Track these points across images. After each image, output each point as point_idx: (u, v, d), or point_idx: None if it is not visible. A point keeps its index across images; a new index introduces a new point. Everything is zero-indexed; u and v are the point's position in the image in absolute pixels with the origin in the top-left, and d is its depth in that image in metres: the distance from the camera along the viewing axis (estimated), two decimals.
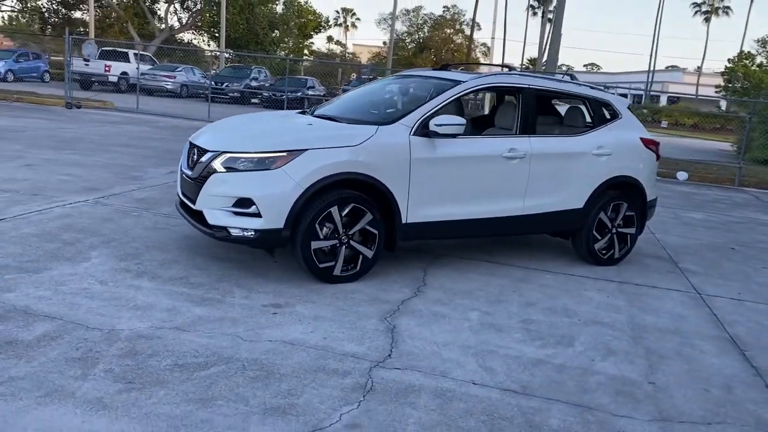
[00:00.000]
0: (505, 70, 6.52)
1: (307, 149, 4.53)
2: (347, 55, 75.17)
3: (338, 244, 4.66)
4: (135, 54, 27.66)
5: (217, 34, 35.95)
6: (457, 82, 5.35)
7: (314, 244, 4.56)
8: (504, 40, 56.18)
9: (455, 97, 5.21)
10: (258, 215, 4.45)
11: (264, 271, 4.85)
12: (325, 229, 4.60)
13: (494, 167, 5.24)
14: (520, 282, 5.22)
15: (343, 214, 4.61)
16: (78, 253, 4.83)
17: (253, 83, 29.33)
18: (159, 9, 39.84)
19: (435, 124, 4.86)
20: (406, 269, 5.24)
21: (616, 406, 3.27)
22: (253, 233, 4.47)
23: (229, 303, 4.15)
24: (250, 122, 5.52)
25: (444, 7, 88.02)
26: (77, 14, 43.08)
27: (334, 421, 2.84)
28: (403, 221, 4.88)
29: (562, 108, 6.85)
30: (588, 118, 6.05)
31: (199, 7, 40.31)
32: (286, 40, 47.66)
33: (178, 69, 28.87)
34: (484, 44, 67.74)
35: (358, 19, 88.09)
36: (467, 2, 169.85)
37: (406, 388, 3.22)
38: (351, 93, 6.59)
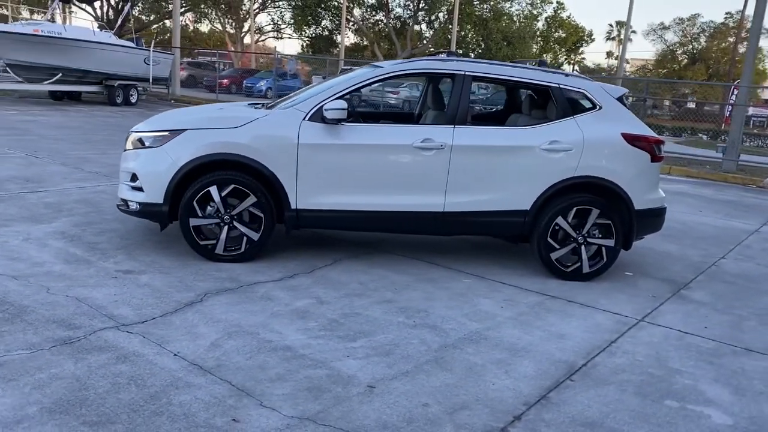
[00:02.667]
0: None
1: (187, 129, 4.80)
2: (614, 69, 71.69)
3: (221, 224, 4.84)
4: None
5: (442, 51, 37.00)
6: (376, 68, 5.15)
7: (192, 221, 4.81)
8: None
9: (365, 83, 5.01)
10: (141, 189, 4.85)
11: (169, 246, 5.20)
12: (209, 208, 4.82)
13: (403, 158, 4.91)
14: (420, 281, 4.83)
15: (223, 194, 4.77)
16: None
17: None
18: (407, 30, 42.44)
19: (325, 109, 4.77)
20: (315, 258, 5.19)
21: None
22: (137, 206, 4.88)
23: (93, 265, 4.60)
24: (195, 110, 5.94)
25: (726, 13, 78.44)
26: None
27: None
28: (293, 207, 4.86)
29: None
30: (553, 109, 5.27)
31: (436, 26, 42.00)
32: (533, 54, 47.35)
33: (402, 85, 30.58)
34: None
35: (633, 31, 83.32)
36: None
37: (116, 350, 3.33)
38: (317, 85, 6.61)
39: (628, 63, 76.87)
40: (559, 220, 5.05)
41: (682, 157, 14.88)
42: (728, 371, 3.69)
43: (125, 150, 5.06)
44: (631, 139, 5.11)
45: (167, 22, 34.25)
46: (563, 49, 58.31)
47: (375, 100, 28.06)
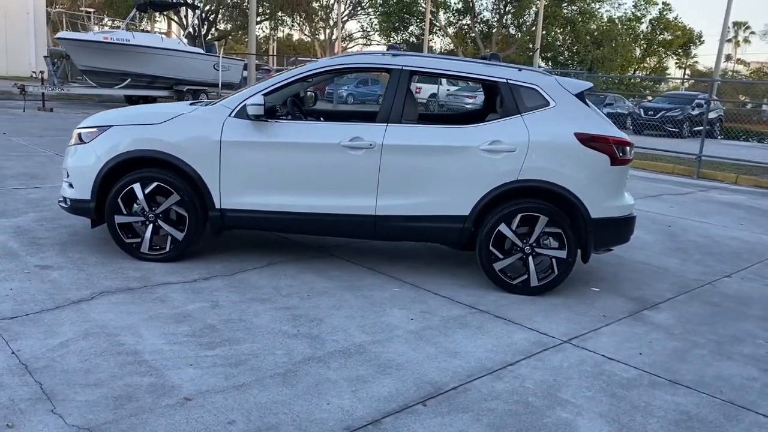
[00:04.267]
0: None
1: (112, 125, 4.77)
2: (730, 73, 67.44)
3: (146, 222, 4.77)
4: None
5: (531, 53, 36.04)
6: (310, 64, 4.91)
7: (117, 219, 4.76)
8: None
9: (292, 79, 4.79)
10: (71, 186, 4.87)
11: (108, 244, 5.19)
12: (135, 205, 4.77)
13: (330, 157, 4.64)
14: (342, 289, 4.53)
15: (146, 192, 4.70)
16: None
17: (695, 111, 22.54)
18: (491, 35, 41.68)
19: (246, 105, 4.59)
20: (250, 259, 5.01)
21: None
22: (68, 203, 4.90)
23: (17, 260, 4.65)
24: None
25: None
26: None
27: None
28: (217, 206, 4.71)
29: None
30: (500, 107, 4.81)
31: (523, 29, 40.94)
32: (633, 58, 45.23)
33: (479, 89, 30.03)
34: None
35: (752, 32, 77.48)
36: None
37: None
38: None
39: (744, 64, 71.76)
40: (502, 227, 4.59)
41: (757, 165, 13.51)
42: (627, 406, 3.16)
43: (68, 146, 5.10)
44: (586, 140, 4.57)
45: (258, 30, 35.45)
46: (668, 52, 55.40)
47: (453, 104, 27.73)
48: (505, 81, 4.73)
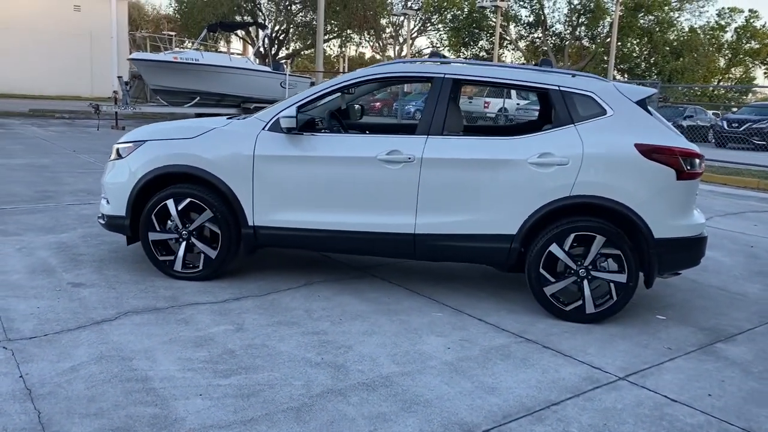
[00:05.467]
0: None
1: (147, 140, 4.67)
2: None
3: (179, 239, 4.63)
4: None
5: (605, 65, 34.88)
6: (346, 75, 4.67)
7: (151, 236, 4.64)
8: None
9: (327, 90, 4.56)
10: (108, 202, 4.79)
11: (145, 261, 5.09)
12: (169, 222, 4.65)
13: (366, 171, 4.36)
14: (378, 312, 4.23)
15: (179, 208, 4.56)
16: None
17: None
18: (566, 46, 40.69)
19: (279, 118, 4.39)
20: (287, 279, 4.80)
21: None
22: (104, 219, 4.83)
23: (52, 276, 4.60)
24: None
25: None
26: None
27: None
28: (250, 223, 4.53)
29: None
30: (552, 116, 4.41)
31: (597, 41, 39.77)
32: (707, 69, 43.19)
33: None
34: None
35: None
36: None
37: None
38: None
39: None
40: (554, 248, 4.18)
41: None
42: None
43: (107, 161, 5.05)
44: (648, 151, 4.12)
45: (327, 48, 35.93)
46: (756, 61, 52.64)
47: (523, 118, 26.96)
48: (556, 88, 4.34)
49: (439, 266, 5.38)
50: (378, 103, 33.06)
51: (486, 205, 4.25)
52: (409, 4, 44.36)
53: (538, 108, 5.66)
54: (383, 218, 4.38)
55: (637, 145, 4.12)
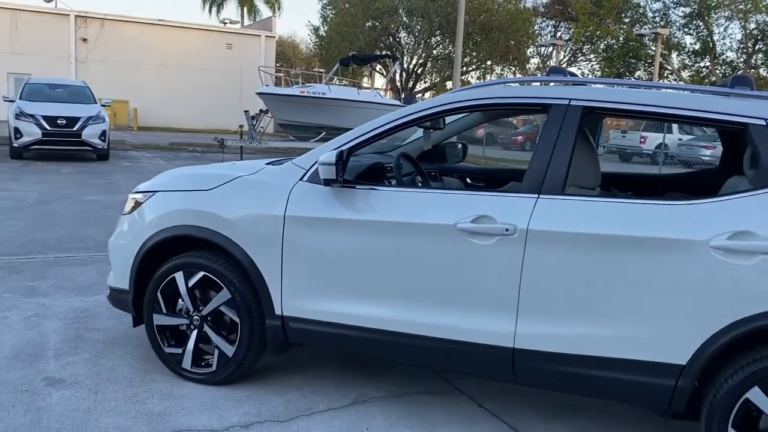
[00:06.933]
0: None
1: (157, 192, 3.50)
2: None
3: (190, 326, 3.40)
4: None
5: None
6: (426, 102, 3.22)
7: (156, 319, 3.46)
8: None
9: (393, 125, 3.13)
10: (111, 269, 3.68)
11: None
12: (180, 302, 3.43)
13: (440, 247, 2.87)
14: None
15: (190, 284, 3.34)
16: None
17: None
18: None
19: (318, 163, 3.03)
20: (331, 392, 3.38)
21: None
22: (108, 291, 3.71)
23: (30, 366, 3.53)
24: None
25: None
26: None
27: None
28: (277, 312, 3.18)
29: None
30: (746, 166, 2.66)
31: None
32: None
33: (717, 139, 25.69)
34: None
35: None
36: None
37: None
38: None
39: None
40: (755, 395, 2.42)
41: None
42: None
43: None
44: None
45: (466, 80, 34.68)
46: None
47: (686, 157, 23.64)
48: (763, 123, 2.59)
49: None
50: (520, 137, 30.83)
51: (634, 314, 2.59)
52: (558, 34, 42.16)
53: (720, 151, 3.83)
54: (465, 320, 2.84)
55: None
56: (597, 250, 2.62)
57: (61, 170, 12.37)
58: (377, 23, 29.64)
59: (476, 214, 2.81)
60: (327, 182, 2.99)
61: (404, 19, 29.64)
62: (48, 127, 13.19)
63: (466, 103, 3.07)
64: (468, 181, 4.44)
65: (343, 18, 29.71)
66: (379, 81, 39.88)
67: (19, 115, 13.20)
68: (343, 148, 3.07)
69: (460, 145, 4.72)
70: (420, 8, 28.06)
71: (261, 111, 17.09)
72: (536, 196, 2.77)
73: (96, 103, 14.62)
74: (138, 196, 3.58)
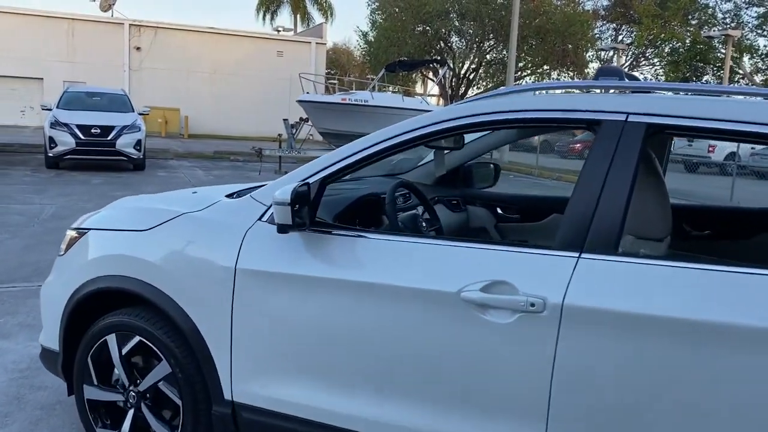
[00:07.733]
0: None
1: (89, 230, 2.76)
2: None
3: (125, 403, 2.64)
4: None
5: None
6: (428, 116, 2.39)
7: (87, 392, 2.72)
8: None
9: (380, 147, 2.31)
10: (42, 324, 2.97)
11: None
12: (114, 372, 2.68)
13: (439, 324, 2.01)
14: None
15: (124, 351, 2.59)
16: None
17: None
18: None
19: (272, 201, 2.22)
20: None
21: None
22: (40, 351, 3.00)
23: None
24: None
25: None
26: None
27: None
28: (226, 396, 2.39)
29: None
30: None
31: None
32: None
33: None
34: None
35: None
36: None
37: None
38: None
39: None
40: None
41: None
42: None
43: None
44: None
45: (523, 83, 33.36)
46: None
47: (760, 168, 21.56)
48: None
49: None
50: (578, 144, 29.33)
51: None
52: (619, 38, 40.40)
53: None
54: (472, 429, 1.98)
55: None
56: (668, 342, 1.72)
57: (91, 181, 12.00)
58: (428, 27, 28.79)
59: (489, 279, 1.94)
60: (281, 228, 2.16)
61: (456, 23, 28.70)
62: (82, 137, 12.89)
63: (476, 119, 2.19)
64: (498, 211, 3.57)
65: (393, 23, 29.00)
66: (432, 87, 39.00)
67: (54, 124, 12.95)
68: (311, 179, 2.26)
69: (491, 166, 3.85)
70: (472, 11, 27.09)
71: (301, 119, 16.49)
72: (577, 254, 1.89)
73: (133, 111, 14.30)
74: (72, 233, 2.86)
